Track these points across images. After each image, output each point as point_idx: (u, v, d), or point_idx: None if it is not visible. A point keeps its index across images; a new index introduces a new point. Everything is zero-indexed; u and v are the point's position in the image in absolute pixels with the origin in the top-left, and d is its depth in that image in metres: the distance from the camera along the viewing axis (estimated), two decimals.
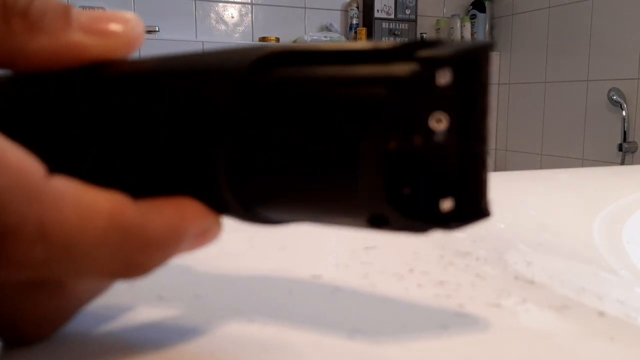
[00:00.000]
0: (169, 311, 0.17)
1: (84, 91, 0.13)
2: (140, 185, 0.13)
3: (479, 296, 0.18)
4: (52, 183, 0.11)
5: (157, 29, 1.97)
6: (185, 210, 0.13)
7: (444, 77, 0.11)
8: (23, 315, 0.13)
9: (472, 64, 0.12)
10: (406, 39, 0.12)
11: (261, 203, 0.13)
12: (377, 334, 0.15)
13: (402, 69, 0.11)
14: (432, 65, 0.11)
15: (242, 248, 0.23)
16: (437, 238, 0.25)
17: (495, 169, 2.36)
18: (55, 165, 0.12)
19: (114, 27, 0.14)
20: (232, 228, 0.28)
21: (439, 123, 0.11)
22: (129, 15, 0.14)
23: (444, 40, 0.12)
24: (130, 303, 0.17)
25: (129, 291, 0.18)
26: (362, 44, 0.12)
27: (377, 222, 0.12)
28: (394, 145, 0.11)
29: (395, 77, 0.11)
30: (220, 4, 2.11)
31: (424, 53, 0.11)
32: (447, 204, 0.12)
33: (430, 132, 0.11)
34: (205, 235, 0.13)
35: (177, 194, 0.13)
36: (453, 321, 0.16)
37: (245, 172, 0.12)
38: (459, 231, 0.12)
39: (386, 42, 0.12)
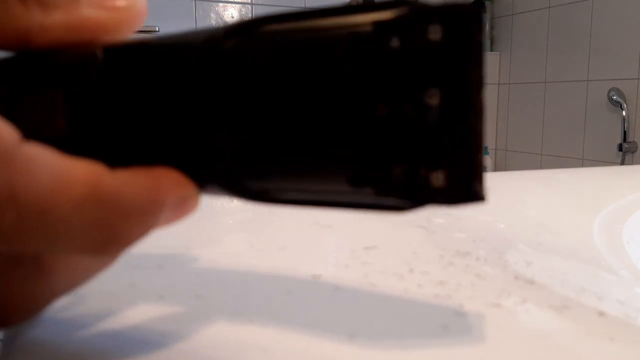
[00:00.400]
0: (170, 311, 0.17)
1: (60, 63, 0.13)
2: (117, 154, 0.13)
3: (479, 296, 0.18)
4: (25, 148, 0.11)
5: (157, 29, 1.97)
6: (163, 178, 0.12)
7: (434, 32, 0.11)
8: None
9: (465, 21, 0.11)
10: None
11: (246, 170, 0.12)
12: (377, 334, 0.15)
13: (388, 13, 0.11)
14: (419, 15, 0.11)
15: (242, 248, 0.23)
16: (437, 238, 0.25)
17: (495, 169, 2.36)
18: (32, 134, 0.12)
19: (120, 2, 0.14)
20: (232, 228, 0.28)
21: (431, 92, 0.11)
22: None
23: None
24: (131, 302, 0.17)
25: (130, 290, 0.18)
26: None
27: (358, 182, 0.11)
28: (382, 111, 0.11)
29: (382, 21, 0.11)
30: (220, 4, 2.11)
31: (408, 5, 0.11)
32: (437, 179, 0.11)
33: (421, 99, 0.11)
34: (184, 206, 0.13)
35: (155, 164, 0.13)
36: (453, 321, 0.16)
37: (229, 139, 0.12)
38: (449, 208, 0.12)
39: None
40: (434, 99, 0.11)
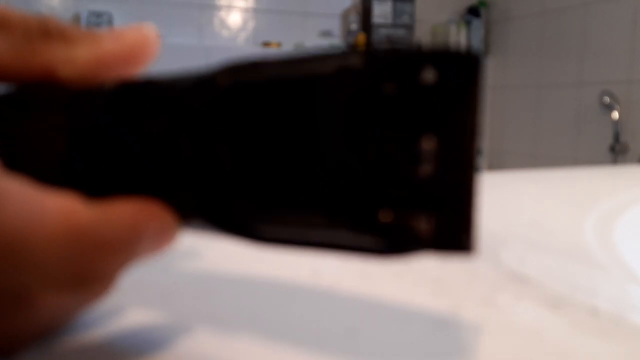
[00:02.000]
0: (171, 309, 0.17)
1: (40, 99, 0.14)
2: (107, 182, 0.13)
3: (474, 294, 0.18)
4: (1, 181, 0.11)
5: (160, 34, 1.96)
6: (142, 209, 0.12)
7: (428, 75, 0.10)
8: None
9: (462, 66, 0.10)
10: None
11: (232, 205, 0.12)
12: (375, 332, 0.15)
13: (381, 55, 0.10)
14: (414, 60, 0.10)
15: (242, 248, 0.23)
16: None
17: (490, 170, 2.37)
18: (12, 164, 0.12)
19: (138, 36, 0.15)
20: None
21: (424, 138, 0.10)
22: (144, 26, 0.15)
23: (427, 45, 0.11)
24: (132, 301, 0.17)
25: (132, 289, 0.18)
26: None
27: (338, 222, 0.11)
28: (372, 155, 0.10)
29: (374, 62, 0.10)
30: (223, 10, 2.11)
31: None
32: (424, 226, 0.11)
33: (413, 145, 0.10)
34: (163, 238, 0.12)
35: (141, 193, 0.12)
36: (448, 319, 0.16)
37: (216, 173, 0.12)
38: (432, 257, 0.11)
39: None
40: (427, 145, 0.10)
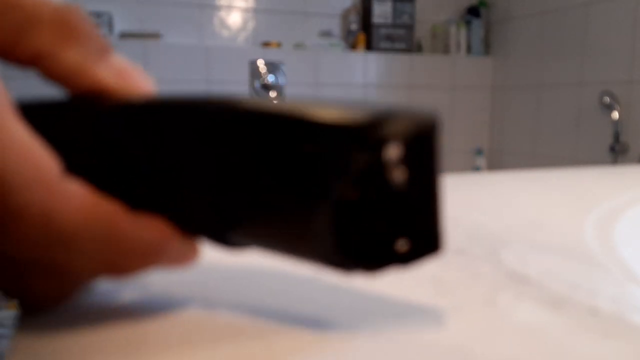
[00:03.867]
0: (172, 307, 0.17)
1: (92, 116, 0.15)
2: (132, 198, 0.15)
3: (474, 293, 0.18)
4: (65, 181, 0.13)
5: (160, 34, 1.97)
6: (168, 231, 0.14)
7: (393, 151, 0.12)
8: (29, 288, 0.15)
9: (422, 141, 0.12)
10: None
11: (232, 229, 0.14)
12: (375, 331, 0.15)
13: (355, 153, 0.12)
14: (380, 143, 0.12)
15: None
16: None
17: (490, 169, 2.37)
18: (71, 167, 0.13)
19: (133, 76, 0.16)
20: None
21: (395, 173, 0.12)
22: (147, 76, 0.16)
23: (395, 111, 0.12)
24: (135, 297, 0.17)
25: (135, 285, 0.18)
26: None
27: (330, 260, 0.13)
28: (346, 196, 0.12)
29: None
30: (223, 10, 2.11)
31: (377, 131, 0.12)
32: (402, 246, 0.13)
33: (385, 184, 0.12)
34: (183, 259, 0.15)
35: (161, 211, 0.15)
36: (449, 318, 0.16)
37: (220, 202, 0.14)
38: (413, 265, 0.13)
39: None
40: (399, 177, 0.12)
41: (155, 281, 0.19)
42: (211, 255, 0.20)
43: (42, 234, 0.13)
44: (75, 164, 0.14)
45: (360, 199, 0.12)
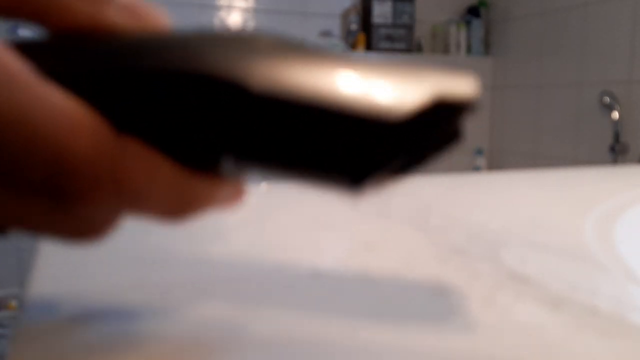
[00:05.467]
0: (173, 306, 0.17)
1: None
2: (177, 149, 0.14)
3: (474, 293, 0.18)
4: (122, 142, 0.13)
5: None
6: (160, 159, 0.14)
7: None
8: (41, 226, 0.14)
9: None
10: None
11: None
12: (374, 331, 0.15)
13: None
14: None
15: (243, 246, 0.24)
16: (433, 237, 0.26)
17: (490, 169, 2.37)
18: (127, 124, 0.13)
19: (147, 13, 0.14)
20: (233, 227, 0.28)
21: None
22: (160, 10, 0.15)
23: None
24: (135, 297, 0.17)
25: (135, 285, 0.18)
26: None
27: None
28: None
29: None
30: (223, 10, 2.12)
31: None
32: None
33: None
34: (232, 198, 0.16)
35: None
36: (448, 317, 0.16)
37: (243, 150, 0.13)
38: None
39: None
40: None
41: (156, 282, 0.19)
42: (209, 255, 0.20)
43: (114, 201, 0.12)
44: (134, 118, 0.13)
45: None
